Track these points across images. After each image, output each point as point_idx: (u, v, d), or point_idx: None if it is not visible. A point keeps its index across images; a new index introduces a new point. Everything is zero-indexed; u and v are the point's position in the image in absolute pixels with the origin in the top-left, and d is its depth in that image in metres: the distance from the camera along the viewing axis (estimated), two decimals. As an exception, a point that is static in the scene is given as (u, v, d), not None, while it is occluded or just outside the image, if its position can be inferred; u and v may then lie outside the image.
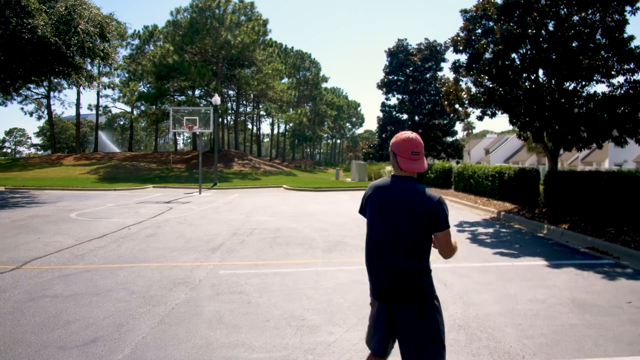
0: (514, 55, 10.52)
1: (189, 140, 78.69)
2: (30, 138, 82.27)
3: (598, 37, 9.64)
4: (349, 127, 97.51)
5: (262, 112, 53.72)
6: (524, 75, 10.67)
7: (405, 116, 29.27)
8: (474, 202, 14.22)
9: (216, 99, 21.94)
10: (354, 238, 8.27)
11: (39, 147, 78.66)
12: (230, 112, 45.19)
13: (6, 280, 5.26)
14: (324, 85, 66.48)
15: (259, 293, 4.81)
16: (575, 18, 9.74)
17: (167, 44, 33.48)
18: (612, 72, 9.78)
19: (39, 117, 50.07)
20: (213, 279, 5.38)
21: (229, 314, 4.12)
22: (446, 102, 12.22)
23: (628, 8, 9.23)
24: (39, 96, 44.95)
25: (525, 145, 50.73)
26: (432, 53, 28.49)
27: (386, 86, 29.23)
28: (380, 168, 33.27)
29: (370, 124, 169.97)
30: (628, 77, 9.65)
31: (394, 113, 29.38)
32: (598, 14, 9.48)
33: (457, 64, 11.72)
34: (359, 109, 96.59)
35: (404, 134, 2.10)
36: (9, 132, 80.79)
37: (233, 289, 4.97)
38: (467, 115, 28.72)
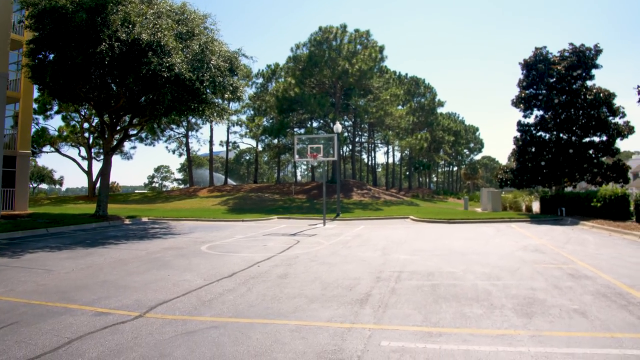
0: None
1: (306, 173, 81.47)
2: (173, 174, 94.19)
3: None
4: (467, 153, 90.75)
5: (377, 141, 52.56)
6: None
7: (547, 135, 24.87)
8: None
9: (337, 127, 21.21)
10: (549, 293, 5.87)
11: (180, 182, 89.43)
12: (347, 142, 45.01)
13: (125, 336, 4.29)
14: (439, 110, 63.13)
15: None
16: None
17: (289, 77, 34.69)
18: None
19: (180, 155, 56.47)
20: (378, 359, 3.67)
21: None
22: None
23: None
24: (180, 135, 50.64)
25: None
26: (580, 59, 23.97)
27: (524, 102, 25.38)
28: (518, 197, 28.61)
29: (490, 149, 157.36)
30: None
31: (534, 132, 25.20)
32: None
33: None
34: (477, 133, 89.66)
35: None
36: (157, 169, 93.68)
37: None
38: (632, 129, 23.42)
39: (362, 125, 49.29)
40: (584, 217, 17.73)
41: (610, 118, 23.14)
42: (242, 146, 63.04)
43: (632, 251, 9.70)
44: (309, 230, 15.57)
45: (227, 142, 50.81)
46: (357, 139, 51.69)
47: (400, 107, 45.28)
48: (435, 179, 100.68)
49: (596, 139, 23.69)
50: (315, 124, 42.08)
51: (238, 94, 20.15)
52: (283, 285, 6.56)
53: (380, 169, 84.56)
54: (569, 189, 26.75)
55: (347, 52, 34.43)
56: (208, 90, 18.59)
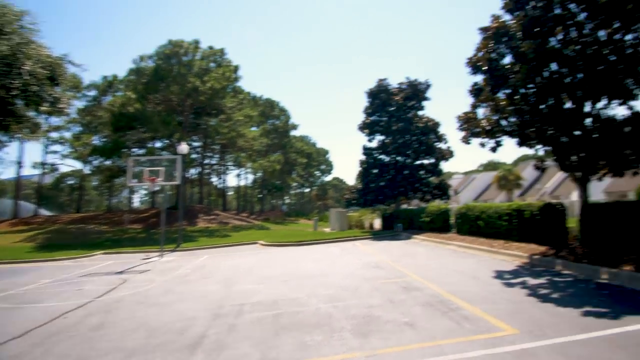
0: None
1: (145, 198, 74.03)
2: (-31, 203, 74.54)
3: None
4: (318, 174, 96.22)
5: (229, 163, 51.32)
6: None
7: (388, 158, 27.83)
8: (489, 245, 12.39)
9: (182, 148, 19.66)
10: (385, 309, 6.07)
11: (-21, 213, 71.15)
12: (195, 164, 42.73)
13: None
14: (293, 133, 65.47)
15: None
16: (602, 33, 8.65)
17: (129, 91, 31.20)
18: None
19: (-24, 179, 44.98)
20: None
21: None
22: (464, 132, 10.68)
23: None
24: (-24, 156, 40.44)
25: (495, 183, 51.32)
26: (415, 92, 27.65)
27: (368, 127, 27.88)
28: (362, 215, 31.12)
29: (339, 171, 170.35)
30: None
31: (377, 155, 27.93)
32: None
33: (476, 86, 10.34)
34: (327, 156, 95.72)
35: None
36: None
37: None
38: (452, 153, 27.89)
39: (213, 147, 47.58)
40: (416, 231, 19.97)
41: (437, 143, 27.13)
42: (65, 168, 52.96)
43: (453, 260, 11.11)
44: (141, 266, 13.65)
45: (43, 164, 42.81)
46: (206, 161, 49.64)
47: (254, 128, 45.42)
48: (288, 200, 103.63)
49: (426, 161, 27.35)
50: (158, 144, 38.62)
51: (60, 107, 16.95)
52: (96, 339, 5.29)
53: (231, 193, 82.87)
54: (404, 206, 30.24)
55: (199, 69, 32.90)
56: (18, 101, 15.18)
